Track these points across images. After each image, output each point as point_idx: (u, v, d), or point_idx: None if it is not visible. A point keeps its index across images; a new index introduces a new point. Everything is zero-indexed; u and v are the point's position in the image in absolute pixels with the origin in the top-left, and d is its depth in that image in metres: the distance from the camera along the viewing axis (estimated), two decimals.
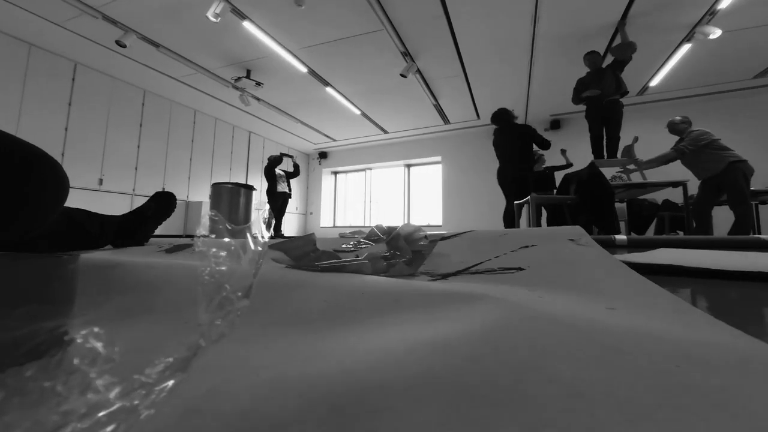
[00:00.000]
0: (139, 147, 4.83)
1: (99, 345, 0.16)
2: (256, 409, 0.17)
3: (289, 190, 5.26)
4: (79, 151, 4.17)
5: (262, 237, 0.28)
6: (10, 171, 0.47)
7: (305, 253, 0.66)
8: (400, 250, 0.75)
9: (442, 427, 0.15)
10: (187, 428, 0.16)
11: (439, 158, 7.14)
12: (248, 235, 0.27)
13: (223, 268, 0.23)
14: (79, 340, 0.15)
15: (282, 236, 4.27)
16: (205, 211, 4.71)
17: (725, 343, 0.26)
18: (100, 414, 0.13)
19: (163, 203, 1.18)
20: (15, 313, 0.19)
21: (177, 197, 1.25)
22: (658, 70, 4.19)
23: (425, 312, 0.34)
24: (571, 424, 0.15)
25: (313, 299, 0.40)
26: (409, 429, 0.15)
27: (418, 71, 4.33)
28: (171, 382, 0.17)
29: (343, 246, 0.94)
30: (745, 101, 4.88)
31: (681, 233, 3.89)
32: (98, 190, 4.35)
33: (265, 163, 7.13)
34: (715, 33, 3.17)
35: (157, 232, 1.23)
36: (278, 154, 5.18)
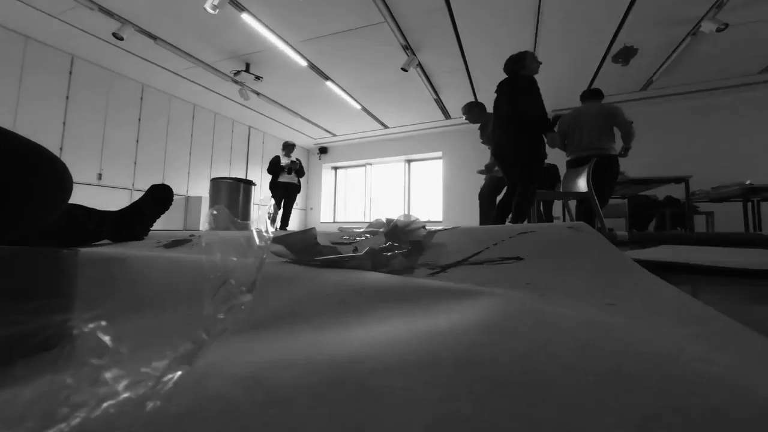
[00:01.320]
0: (138, 141, 4.80)
1: (107, 338, 0.16)
2: (255, 383, 0.17)
3: (298, 182, 4.95)
4: (77, 145, 4.15)
5: (266, 232, 0.28)
6: (15, 169, 0.47)
7: (306, 247, 0.66)
8: (398, 241, 0.75)
9: (443, 402, 0.15)
10: (186, 403, 0.16)
11: (439, 153, 7.12)
12: (253, 230, 0.27)
13: (228, 262, 0.23)
14: (87, 334, 0.15)
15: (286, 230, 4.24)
16: (205, 206, 4.67)
17: (735, 339, 0.26)
18: (108, 405, 0.13)
19: (160, 197, 1.17)
20: (25, 307, 0.18)
21: (176, 192, 1.24)
22: (663, 64, 4.16)
23: (428, 305, 0.34)
24: (574, 400, 0.15)
25: (315, 293, 0.40)
26: (409, 403, 0.15)
27: (420, 65, 4.30)
28: (177, 375, 0.16)
29: (344, 238, 0.94)
30: (750, 96, 4.86)
31: (681, 230, 3.90)
32: (97, 185, 4.33)
33: (264, 157, 7.10)
34: (722, 26, 3.14)
35: (156, 226, 1.22)
36: (294, 158, 4.91)
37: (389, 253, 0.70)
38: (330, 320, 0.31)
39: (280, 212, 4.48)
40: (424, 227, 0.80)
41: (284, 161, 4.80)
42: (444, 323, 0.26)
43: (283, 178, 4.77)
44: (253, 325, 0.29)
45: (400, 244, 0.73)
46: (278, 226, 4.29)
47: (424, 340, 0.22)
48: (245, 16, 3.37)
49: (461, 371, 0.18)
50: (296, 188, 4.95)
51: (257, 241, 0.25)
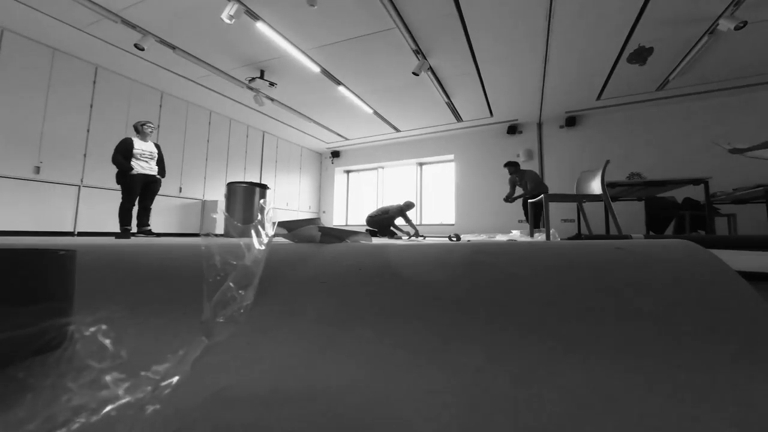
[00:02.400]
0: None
1: (107, 342, 0.17)
2: (252, 391, 0.18)
3: (161, 173, 3.75)
4: (100, 151, 4.31)
5: (267, 235, 0.29)
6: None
7: (311, 236, 0.67)
8: None
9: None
10: (185, 406, 0.17)
11: (451, 156, 7.09)
12: (253, 233, 0.28)
13: (228, 266, 0.24)
14: (88, 337, 0.16)
15: (149, 232, 3.63)
16: (219, 208, 4.73)
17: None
18: (108, 409, 0.14)
19: None
20: (27, 311, 0.20)
21: (193, 196, 1.27)
22: (679, 63, 4.05)
23: (424, 280, 0.34)
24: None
25: (313, 281, 0.40)
26: None
27: (431, 69, 4.31)
28: (176, 378, 0.17)
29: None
30: None
31: (702, 233, 3.77)
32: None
33: (278, 162, 7.16)
34: (740, 24, 3.05)
35: (174, 230, 1.25)
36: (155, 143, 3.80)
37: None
38: (330, 333, 0.31)
39: (136, 209, 3.65)
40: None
41: (140, 146, 3.58)
42: (438, 339, 0.27)
43: (140, 169, 3.53)
44: (252, 327, 0.30)
45: None
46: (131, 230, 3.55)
47: (419, 366, 0.22)
48: (260, 25, 3.45)
49: (458, 401, 0.18)
50: (157, 183, 3.74)
51: (258, 245, 0.26)
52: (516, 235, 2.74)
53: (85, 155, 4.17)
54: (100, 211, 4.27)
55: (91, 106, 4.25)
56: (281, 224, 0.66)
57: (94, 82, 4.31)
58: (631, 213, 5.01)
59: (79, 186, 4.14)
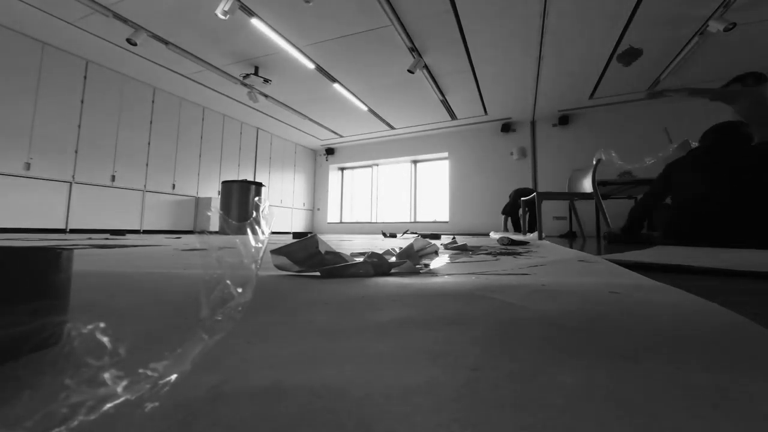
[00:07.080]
0: (149, 144, 4.90)
1: (105, 339, 0.17)
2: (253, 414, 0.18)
3: None
4: (92, 148, 4.26)
5: (263, 233, 0.30)
6: None
7: (309, 256, 0.66)
8: (411, 259, 0.77)
9: (442, 428, 0.15)
10: (183, 404, 0.17)
11: (446, 154, 7.11)
12: (249, 231, 0.28)
13: (224, 265, 0.24)
14: (86, 335, 0.16)
15: None
16: (213, 206, 4.71)
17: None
18: (107, 407, 0.14)
19: None
20: (24, 308, 0.20)
21: (186, 193, 1.26)
22: (670, 64, 4.10)
23: (425, 313, 0.35)
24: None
25: (315, 302, 0.41)
26: (409, 429, 0.15)
27: (426, 67, 4.31)
28: (174, 376, 0.18)
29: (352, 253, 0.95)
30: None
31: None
32: (111, 187, 4.44)
33: (272, 159, 7.11)
34: (729, 26, 3.09)
35: (168, 227, 1.25)
36: None
37: (395, 262, 0.71)
38: (329, 334, 0.31)
39: None
40: (436, 252, 0.81)
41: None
42: (443, 338, 0.27)
43: None
44: (251, 324, 0.31)
45: (412, 261, 0.75)
46: None
47: (424, 363, 0.23)
48: (255, 21, 3.43)
49: (461, 396, 0.18)
50: None
51: (255, 242, 0.27)
52: (508, 232, 2.77)
53: (76, 151, 4.12)
54: (92, 208, 4.23)
55: (82, 102, 4.20)
56: (277, 251, 0.66)
57: (85, 78, 4.25)
58: (621, 211, 5.07)
59: (71, 183, 4.09)
